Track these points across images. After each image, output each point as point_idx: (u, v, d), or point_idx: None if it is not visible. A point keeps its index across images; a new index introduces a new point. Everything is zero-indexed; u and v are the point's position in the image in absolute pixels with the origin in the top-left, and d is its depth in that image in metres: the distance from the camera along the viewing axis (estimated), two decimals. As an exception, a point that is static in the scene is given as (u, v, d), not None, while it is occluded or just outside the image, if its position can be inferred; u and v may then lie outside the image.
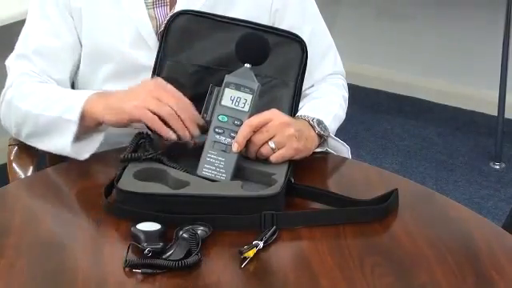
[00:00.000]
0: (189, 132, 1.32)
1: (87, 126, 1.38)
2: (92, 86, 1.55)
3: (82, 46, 1.53)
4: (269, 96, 1.44)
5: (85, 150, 1.38)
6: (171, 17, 1.46)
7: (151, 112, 1.30)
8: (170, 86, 1.34)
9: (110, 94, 1.38)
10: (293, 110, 1.46)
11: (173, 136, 1.31)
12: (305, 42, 1.45)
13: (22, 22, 1.56)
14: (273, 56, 1.39)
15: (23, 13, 1.57)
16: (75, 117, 1.36)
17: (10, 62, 1.54)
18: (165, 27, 1.46)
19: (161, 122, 1.31)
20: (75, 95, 1.41)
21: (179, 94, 1.34)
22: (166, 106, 1.31)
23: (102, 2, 1.49)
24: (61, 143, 1.38)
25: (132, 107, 1.32)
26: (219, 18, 1.46)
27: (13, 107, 1.47)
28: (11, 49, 1.55)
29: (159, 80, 1.36)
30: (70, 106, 1.37)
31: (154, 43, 1.49)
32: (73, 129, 1.36)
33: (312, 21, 1.58)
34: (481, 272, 1.13)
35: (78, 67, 1.55)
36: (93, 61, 1.53)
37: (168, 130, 1.31)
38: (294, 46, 1.46)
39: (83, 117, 1.36)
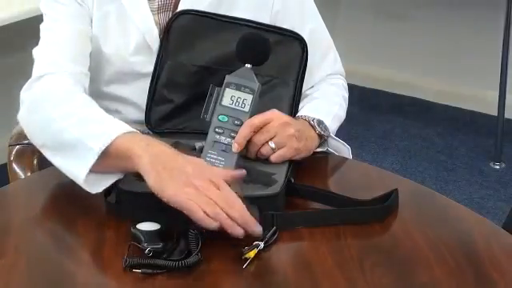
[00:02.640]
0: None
1: (109, 163, 1.20)
2: (97, 85, 1.54)
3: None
4: (269, 95, 1.44)
5: (99, 184, 1.22)
6: (173, 16, 1.46)
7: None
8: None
9: (160, 153, 1.17)
10: (293, 110, 1.46)
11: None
12: (305, 41, 1.46)
13: (22, 22, 1.55)
14: (273, 55, 1.39)
15: (24, 13, 1.57)
16: (98, 147, 1.18)
17: (38, 50, 1.43)
18: (166, 27, 1.46)
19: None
20: (112, 124, 1.24)
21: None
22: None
23: (109, 8, 1.48)
24: (76, 170, 1.22)
25: (177, 198, 1.13)
26: (220, 18, 1.46)
27: (40, 107, 1.32)
28: (12, 48, 1.55)
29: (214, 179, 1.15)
30: (100, 133, 1.20)
31: (157, 49, 1.48)
32: (91, 159, 1.19)
33: (311, 22, 1.58)
34: (481, 272, 1.13)
35: None
36: (96, 62, 1.52)
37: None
38: (295, 44, 1.46)
39: (110, 150, 1.19)
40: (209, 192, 1.13)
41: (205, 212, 1.11)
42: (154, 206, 1.21)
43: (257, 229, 1.13)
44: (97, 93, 1.55)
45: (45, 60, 1.41)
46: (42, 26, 1.48)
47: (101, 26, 1.49)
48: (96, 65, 1.51)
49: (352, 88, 1.67)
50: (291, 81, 1.46)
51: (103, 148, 1.19)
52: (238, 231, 1.11)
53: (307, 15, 1.58)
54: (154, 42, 1.48)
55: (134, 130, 1.23)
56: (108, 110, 1.54)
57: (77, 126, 1.24)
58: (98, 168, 1.21)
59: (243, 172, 1.20)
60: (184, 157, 1.19)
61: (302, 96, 1.51)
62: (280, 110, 1.37)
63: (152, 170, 1.15)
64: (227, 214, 1.11)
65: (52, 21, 1.46)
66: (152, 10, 1.48)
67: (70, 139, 1.23)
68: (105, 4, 1.48)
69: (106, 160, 1.20)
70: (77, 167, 1.21)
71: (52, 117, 1.28)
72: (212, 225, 1.11)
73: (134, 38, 1.48)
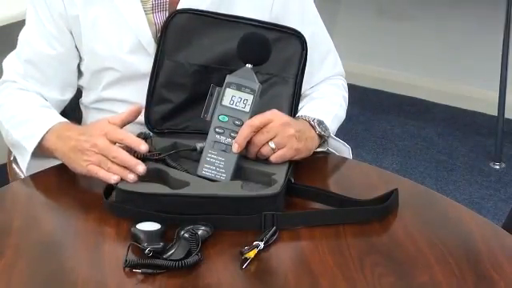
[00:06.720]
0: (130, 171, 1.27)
1: (43, 154, 1.42)
2: (95, 92, 1.55)
3: (80, 53, 1.52)
4: (268, 93, 1.44)
5: (36, 168, 1.43)
6: (170, 15, 1.45)
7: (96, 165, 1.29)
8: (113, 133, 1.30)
9: (65, 140, 1.36)
10: (293, 108, 1.45)
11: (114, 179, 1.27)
12: (305, 38, 1.45)
13: (22, 22, 1.55)
14: (273, 52, 1.38)
15: (23, 13, 1.57)
16: (31, 147, 1.41)
17: (7, 61, 1.56)
18: (163, 26, 1.45)
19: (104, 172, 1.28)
20: (39, 122, 1.42)
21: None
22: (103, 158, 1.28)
23: (100, 9, 1.47)
24: (21, 162, 1.46)
25: (82, 171, 1.32)
26: (218, 16, 1.46)
27: None
28: (11, 49, 1.55)
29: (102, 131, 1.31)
30: (30, 134, 1.41)
31: (153, 49, 1.47)
32: (27, 157, 1.42)
33: (312, 25, 1.57)
34: (481, 272, 1.13)
35: (77, 74, 1.56)
36: (93, 68, 1.52)
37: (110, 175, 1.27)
38: (294, 41, 1.46)
39: (40, 146, 1.40)
40: (96, 149, 1.29)
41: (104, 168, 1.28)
42: (154, 206, 1.21)
43: (138, 169, 1.26)
44: (97, 98, 1.56)
45: (13, 70, 1.54)
46: (22, 33, 1.54)
47: (92, 31, 1.48)
48: (95, 69, 1.51)
49: (352, 88, 1.67)
50: (291, 79, 1.46)
51: (34, 146, 1.40)
52: (126, 175, 1.26)
53: (307, 19, 1.57)
54: (148, 43, 1.48)
55: (55, 123, 1.41)
56: (108, 112, 1.54)
57: (14, 129, 1.46)
58: (39, 152, 1.42)
59: (138, 108, 1.36)
60: (79, 128, 1.39)
61: (302, 96, 1.51)
62: (279, 108, 1.37)
63: (63, 157, 1.36)
64: (113, 162, 1.27)
65: (31, 34, 1.52)
66: (146, 10, 1.48)
67: (12, 140, 1.46)
68: (93, 7, 1.47)
69: (39, 152, 1.42)
70: (21, 161, 1.45)
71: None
72: (110, 180, 1.26)
73: (128, 38, 1.48)
